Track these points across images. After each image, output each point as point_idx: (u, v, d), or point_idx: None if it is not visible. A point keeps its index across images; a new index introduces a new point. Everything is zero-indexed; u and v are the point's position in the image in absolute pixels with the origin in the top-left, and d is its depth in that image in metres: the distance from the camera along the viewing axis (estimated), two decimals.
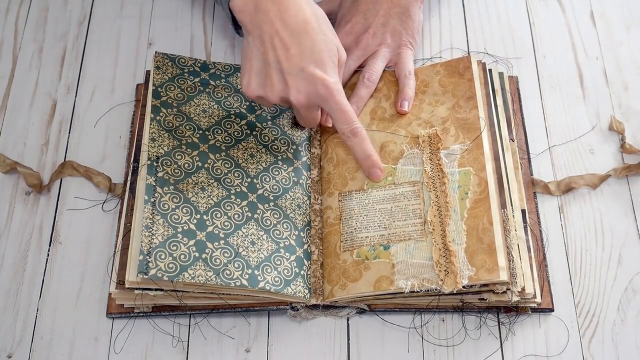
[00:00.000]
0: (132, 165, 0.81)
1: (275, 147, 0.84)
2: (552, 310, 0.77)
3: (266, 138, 0.84)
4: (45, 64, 0.95)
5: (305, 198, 0.82)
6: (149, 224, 0.73)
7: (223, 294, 0.74)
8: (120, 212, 0.82)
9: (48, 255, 0.82)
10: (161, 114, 0.81)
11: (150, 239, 0.72)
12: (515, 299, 0.73)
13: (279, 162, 0.83)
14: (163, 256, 0.72)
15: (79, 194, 0.86)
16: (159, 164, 0.78)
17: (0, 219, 0.84)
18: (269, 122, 0.85)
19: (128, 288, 0.73)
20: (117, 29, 0.98)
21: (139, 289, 0.72)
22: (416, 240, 0.76)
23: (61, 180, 0.87)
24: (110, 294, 0.77)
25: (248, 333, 0.78)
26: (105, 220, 0.84)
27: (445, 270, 0.73)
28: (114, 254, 0.78)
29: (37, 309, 0.80)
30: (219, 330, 0.78)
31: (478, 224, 0.75)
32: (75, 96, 0.93)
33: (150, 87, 0.84)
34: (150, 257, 0.71)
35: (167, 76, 0.85)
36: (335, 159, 0.84)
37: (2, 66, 0.95)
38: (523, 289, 0.73)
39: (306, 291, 0.76)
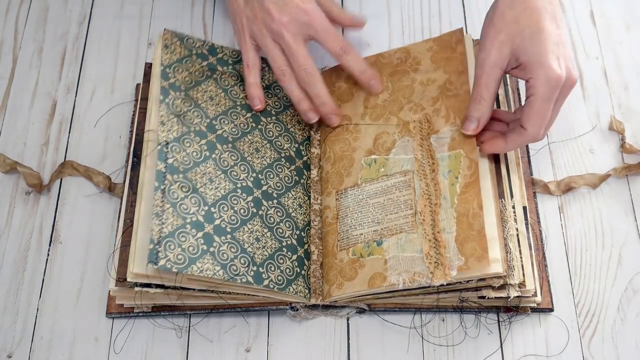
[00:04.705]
0: (131, 160, 0.81)
1: (279, 143, 0.83)
2: (552, 310, 0.77)
3: (270, 133, 0.83)
4: (45, 64, 0.95)
5: (306, 198, 0.82)
6: (159, 212, 0.72)
7: (223, 293, 0.74)
8: (120, 210, 0.82)
9: (48, 255, 0.82)
10: (170, 97, 0.80)
11: (160, 227, 0.71)
12: (515, 294, 0.71)
13: (282, 160, 0.82)
14: (172, 247, 0.70)
15: (79, 193, 0.86)
16: (169, 149, 0.76)
17: (0, 219, 0.85)
18: (273, 118, 0.85)
19: (129, 285, 0.72)
20: (117, 29, 0.98)
21: (140, 284, 0.72)
22: (407, 232, 0.74)
23: (61, 180, 0.87)
24: (109, 292, 0.77)
25: (248, 333, 0.78)
26: (105, 220, 0.84)
27: (435, 262, 0.71)
28: (114, 251, 0.77)
29: (37, 309, 0.80)
30: (219, 330, 0.78)
31: (468, 209, 0.72)
32: (75, 96, 0.93)
33: (159, 67, 0.82)
34: (160, 247, 0.70)
35: (175, 57, 0.84)
36: (332, 157, 0.84)
37: (2, 66, 0.95)
38: (523, 283, 0.71)
39: (306, 291, 0.76)
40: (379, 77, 0.82)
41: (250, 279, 0.72)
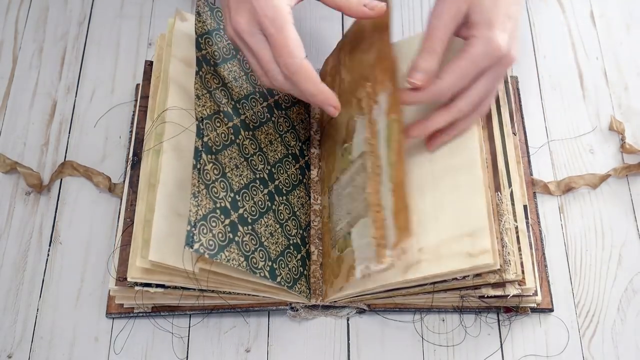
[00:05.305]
0: (131, 160, 0.81)
1: (287, 139, 0.82)
2: (552, 310, 0.77)
3: (281, 128, 0.82)
4: (45, 64, 0.95)
5: (307, 198, 0.81)
6: (196, 192, 0.67)
7: (223, 293, 0.74)
8: (120, 209, 0.82)
9: (48, 255, 0.82)
10: (202, 70, 0.76)
11: (196, 209, 0.66)
12: (514, 292, 0.69)
13: (289, 157, 0.81)
14: (205, 231, 0.66)
15: (79, 194, 0.86)
16: (204, 127, 0.71)
17: (0, 219, 0.85)
18: (283, 112, 0.83)
19: (129, 285, 0.71)
20: (117, 29, 0.98)
21: (140, 284, 0.71)
22: (363, 217, 0.71)
23: (61, 180, 0.87)
24: (109, 292, 0.77)
25: (248, 333, 0.78)
26: (105, 220, 0.84)
27: (378, 244, 0.67)
28: (114, 251, 0.77)
29: (37, 309, 0.80)
30: (219, 330, 0.78)
31: (402, 178, 0.67)
32: (75, 96, 0.93)
33: (194, 35, 0.77)
34: (195, 230, 0.65)
35: (207, 27, 0.79)
36: (326, 156, 0.83)
37: (2, 66, 0.95)
38: (522, 280, 0.69)
39: (308, 291, 0.76)
40: (334, 101, 0.70)
41: (267, 273, 0.71)
